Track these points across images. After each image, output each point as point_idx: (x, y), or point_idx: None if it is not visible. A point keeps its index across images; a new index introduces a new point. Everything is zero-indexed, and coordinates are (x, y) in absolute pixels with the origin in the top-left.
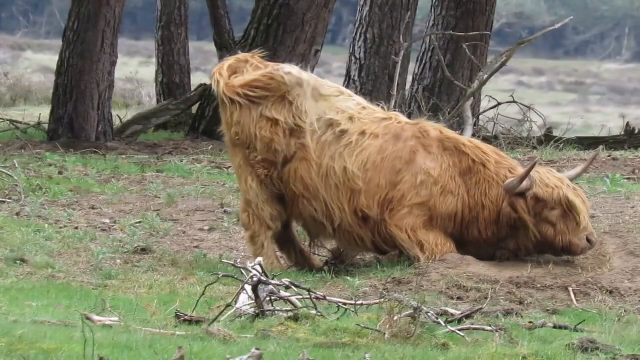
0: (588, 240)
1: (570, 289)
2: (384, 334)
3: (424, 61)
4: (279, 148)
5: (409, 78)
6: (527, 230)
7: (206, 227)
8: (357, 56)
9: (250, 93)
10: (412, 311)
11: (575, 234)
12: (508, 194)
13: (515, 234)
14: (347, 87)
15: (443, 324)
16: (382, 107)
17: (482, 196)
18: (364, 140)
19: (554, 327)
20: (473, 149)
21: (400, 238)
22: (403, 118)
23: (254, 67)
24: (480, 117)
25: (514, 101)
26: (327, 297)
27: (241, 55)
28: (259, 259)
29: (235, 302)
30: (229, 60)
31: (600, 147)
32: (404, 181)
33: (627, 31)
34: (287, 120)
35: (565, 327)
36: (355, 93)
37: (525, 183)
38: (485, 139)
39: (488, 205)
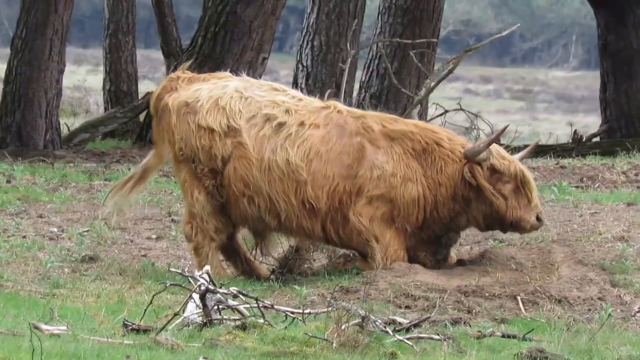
0: (538, 218)
1: (519, 298)
2: (332, 343)
3: (371, 69)
4: (217, 152)
5: (357, 86)
6: (480, 202)
7: (154, 236)
8: (305, 64)
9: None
10: (360, 320)
11: (526, 211)
12: (470, 160)
13: (468, 209)
14: None
15: (391, 333)
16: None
17: (439, 174)
18: (305, 131)
19: (503, 336)
20: (423, 131)
21: (358, 227)
22: (342, 107)
23: (185, 82)
24: None
25: (461, 109)
26: (275, 306)
27: (172, 74)
28: (207, 267)
29: (183, 311)
30: (163, 83)
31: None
32: (359, 176)
33: (575, 39)
34: (222, 123)
35: (514, 337)
36: None
37: (482, 154)
38: None
39: (445, 183)
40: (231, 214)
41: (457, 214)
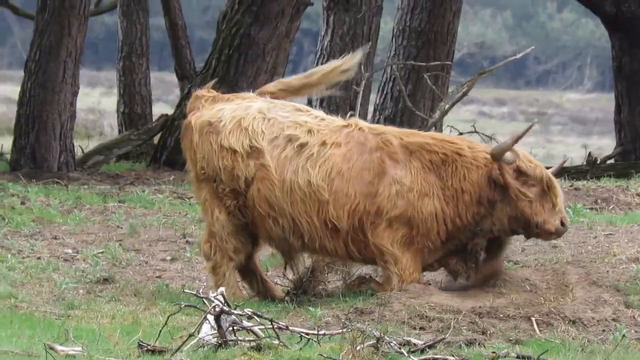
0: (562, 223)
1: (533, 319)
2: None
3: (385, 91)
4: (240, 173)
5: (371, 108)
6: (505, 203)
7: (168, 258)
8: None
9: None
10: (374, 341)
11: (551, 215)
12: (496, 159)
13: (493, 211)
14: None
15: (406, 354)
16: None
17: (461, 182)
18: (326, 151)
19: (517, 357)
20: (440, 143)
21: (380, 252)
22: (363, 123)
23: (209, 101)
24: None
25: (475, 131)
26: (290, 327)
27: (197, 93)
28: (222, 289)
29: (198, 332)
30: (188, 105)
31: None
32: (378, 194)
33: (589, 61)
34: (244, 144)
35: (529, 358)
36: None
37: (509, 155)
38: None
39: (468, 189)
40: (258, 234)
41: (482, 218)
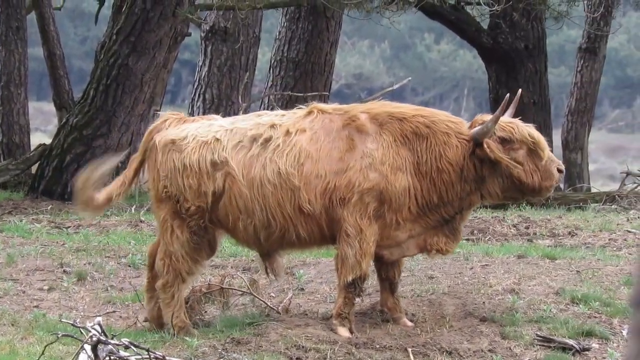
0: (559, 170)
1: (409, 349)
2: None
3: None
4: (207, 189)
5: None
6: (497, 176)
7: (46, 287)
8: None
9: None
10: None
11: (546, 169)
12: (482, 139)
13: (482, 185)
14: None
15: None
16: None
17: (438, 161)
18: (292, 139)
19: None
20: (412, 112)
21: (345, 225)
22: (326, 106)
23: (175, 122)
24: None
25: None
26: (167, 358)
27: (163, 116)
28: (99, 319)
29: None
30: (154, 124)
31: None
32: (349, 168)
33: (466, 92)
34: (207, 159)
35: None
36: None
37: (481, 129)
38: None
39: (446, 168)
40: (236, 240)
41: (469, 194)
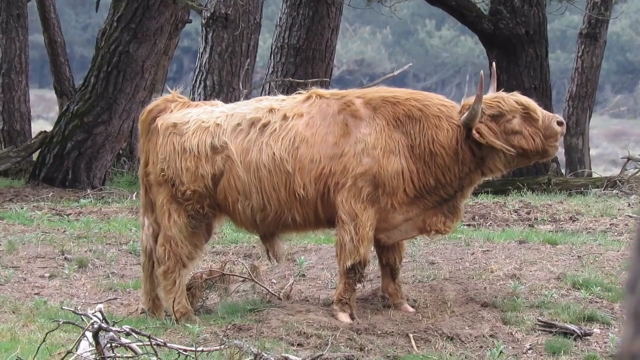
0: (558, 123)
1: (411, 335)
2: None
3: None
4: (205, 173)
5: None
6: (496, 152)
7: (47, 275)
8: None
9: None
10: (252, 358)
11: (544, 128)
12: (473, 123)
13: (482, 163)
14: None
15: None
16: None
17: (430, 144)
18: (288, 123)
19: None
20: (406, 95)
21: (341, 210)
22: (325, 91)
23: (179, 106)
24: None
25: None
26: (168, 344)
27: (168, 96)
28: (100, 306)
29: (77, 348)
30: (156, 102)
31: None
32: (344, 153)
33: (468, 78)
34: (207, 143)
35: None
36: None
37: (469, 113)
38: None
39: (439, 151)
40: (235, 223)
41: (468, 173)
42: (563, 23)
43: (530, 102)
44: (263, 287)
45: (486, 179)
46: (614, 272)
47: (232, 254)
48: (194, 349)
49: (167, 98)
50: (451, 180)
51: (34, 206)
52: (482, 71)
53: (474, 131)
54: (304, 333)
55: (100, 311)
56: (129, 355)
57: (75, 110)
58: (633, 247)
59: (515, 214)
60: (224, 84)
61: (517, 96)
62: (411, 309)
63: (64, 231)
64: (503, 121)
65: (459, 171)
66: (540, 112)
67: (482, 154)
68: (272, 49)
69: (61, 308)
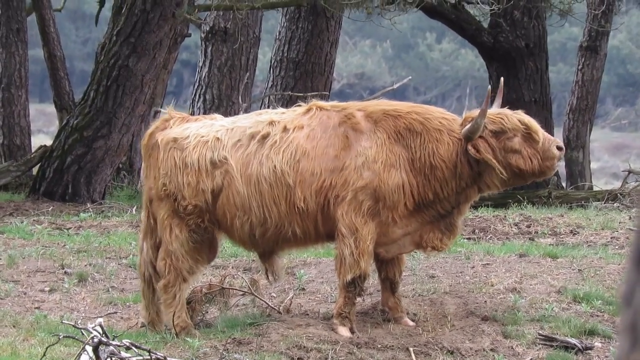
0: (558, 148)
1: (411, 349)
2: None
3: None
4: (205, 187)
5: None
6: (493, 169)
7: (47, 289)
8: None
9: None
10: None
11: (544, 151)
12: (474, 136)
13: (478, 179)
14: None
15: None
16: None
17: (431, 157)
18: (289, 135)
19: None
20: (407, 108)
21: (341, 224)
22: (325, 103)
23: (177, 122)
24: None
25: None
26: (168, 358)
27: (165, 115)
28: (100, 320)
29: None
30: (156, 123)
31: None
32: (345, 167)
33: (468, 92)
34: (207, 158)
35: None
36: None
37: (471, 126)
38: None
39: (439, 165)
40: (233, 240)
41: (465, 189)
42: (563, 35)
43: (533, 123)
44: (263, 300)
45: (482, 194)
46: (615, 286)
47: (232, 267)
48: None
49: (164, 118)
50: (449, 195)
51: (34, 220)
52: (489, 86)
53: (469, 147)
54: (304, 347)
55: (100, 325)
56: None
57: (75, 124)
58: (629, 259)
59: (516, 227)
60: (223, 98)
61: (520, 115)
62: (411, 323)
63: (64, 245)
64: (504, 138)
65: (456, 185)
66: (541, 134)
67: (479, 169)
68: (271, 62)
69: (61, 322)
